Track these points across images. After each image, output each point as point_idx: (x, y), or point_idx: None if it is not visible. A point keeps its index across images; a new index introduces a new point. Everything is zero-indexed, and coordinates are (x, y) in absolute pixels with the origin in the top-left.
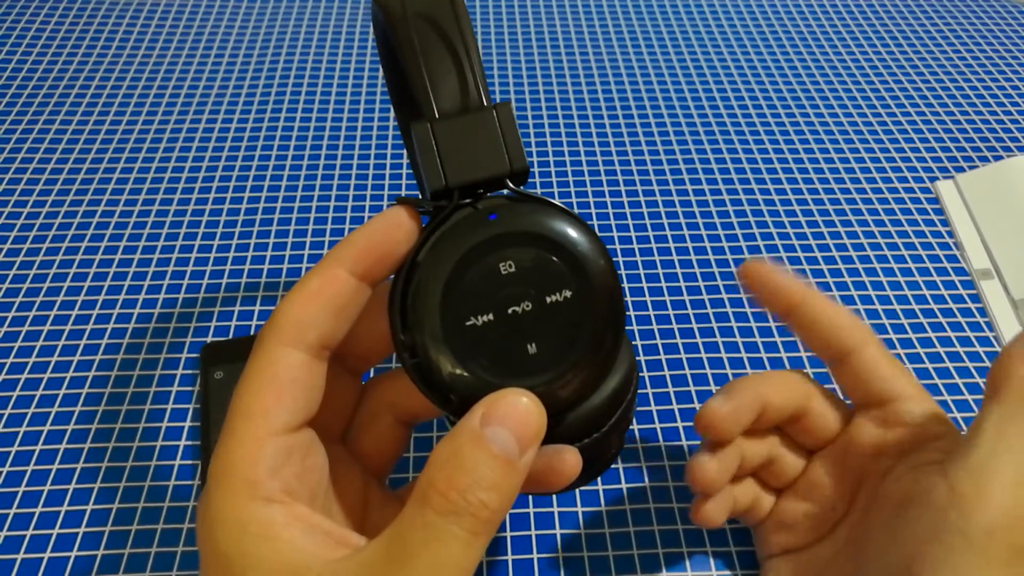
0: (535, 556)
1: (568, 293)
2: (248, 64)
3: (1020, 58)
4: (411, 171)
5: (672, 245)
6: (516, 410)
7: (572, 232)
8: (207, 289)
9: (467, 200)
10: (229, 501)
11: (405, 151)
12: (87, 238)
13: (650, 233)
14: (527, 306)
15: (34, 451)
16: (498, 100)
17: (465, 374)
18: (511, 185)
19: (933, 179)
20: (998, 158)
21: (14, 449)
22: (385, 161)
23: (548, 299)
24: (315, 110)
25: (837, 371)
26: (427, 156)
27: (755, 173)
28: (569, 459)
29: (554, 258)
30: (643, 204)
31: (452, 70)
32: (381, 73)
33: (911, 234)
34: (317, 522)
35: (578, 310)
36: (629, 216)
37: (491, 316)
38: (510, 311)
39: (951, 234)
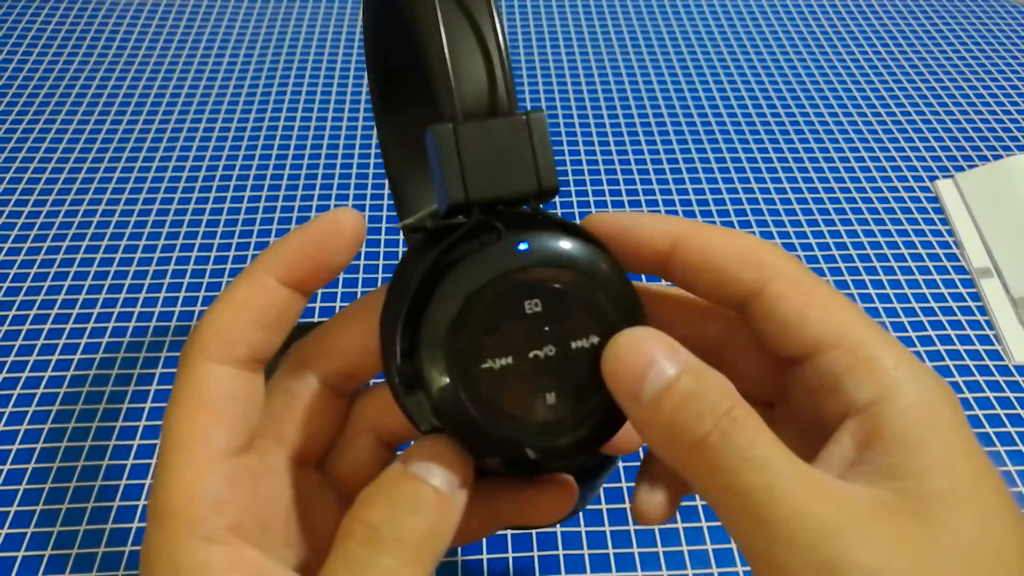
0: (535, 554)
1: (596, 339)
2: (248, 64)
3: (1020, 58)
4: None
5: None
6: (439, 447)
7: (605, 270)
8: (207, 288)
9: (486, 218)
10: (165, 542)
11: (381, 150)
12: (87, 238)
13: None
14: (550, 351)
15: (35, 449)
16: None
17: (472, 421)
18: (535, 205)
19: (933, 178)
20: (998, 157)
21: (14, 448)
22: None
23: (573, 344)
24: (315, 110)
25: (752, 325)
26: (448, 164)
27: (755, 173)
28: (565, 489)
29: (584, 299)
30: (643, 204)
31: (480, 64)
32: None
33: (911, 233)
34: (264, 568)
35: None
36: None
37: (510, 359)
38: (531, 355)
39: (951, 233)
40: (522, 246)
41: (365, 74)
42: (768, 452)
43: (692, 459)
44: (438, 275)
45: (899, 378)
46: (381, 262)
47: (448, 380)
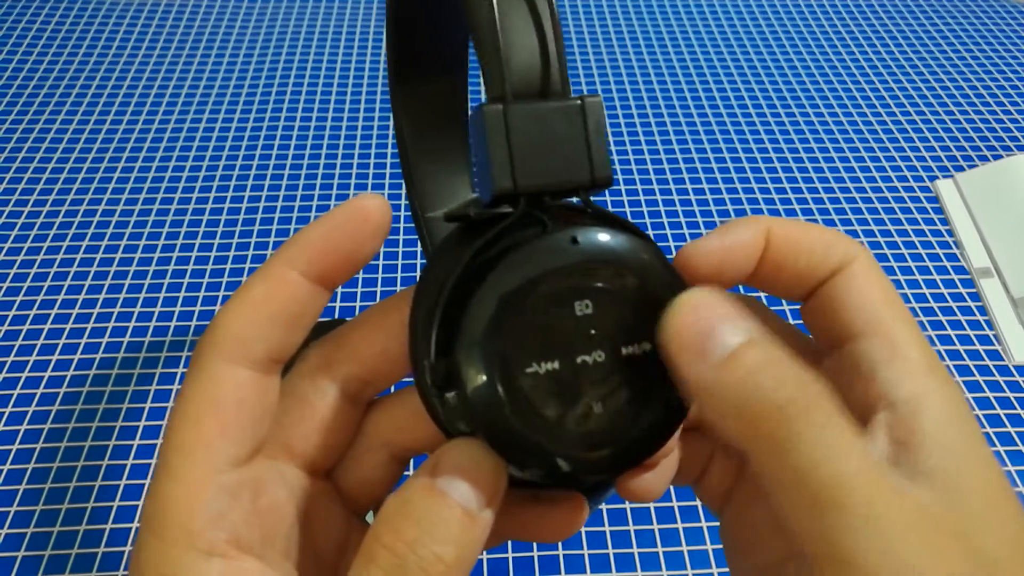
0: (535, 554)
1: (648, 347)
2: (248, 64)
3: (1020, 58)
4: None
5: (672, 244)
6: (470, 459)
7: (661, 271)
8: (207, 288)
9: (532, 209)
10: (162, 552)
11: (395, 126)
12: (87, 238)
13: (650, 232)
14: (599, 356)
15: (35, 449)
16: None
17: (514, 427)
18: (585, 197)
19: (933, 178)
20: (998, 157)
21: (14, 448)
22: (385, 160)
23: (624, 350)
24: (315, 110)
25: (805, 307)
26: (496, 148)
27: (755, 173)
28: (578, 509)
29: (638, 302)
30: (643, 204)
31: (533, 41)
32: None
33: (911, 233)
34: None
35: (654, 368)
36: (629, 215)
37: (556, 364)
38: (579, 360)
39: (951, 233)
40: (574, 242)
41: (366, 73)
42: (845, 436)
43: (759, 431)
44: (480, 269)
45: (934, 381)
46: (381, 262)
47: (489, 382)
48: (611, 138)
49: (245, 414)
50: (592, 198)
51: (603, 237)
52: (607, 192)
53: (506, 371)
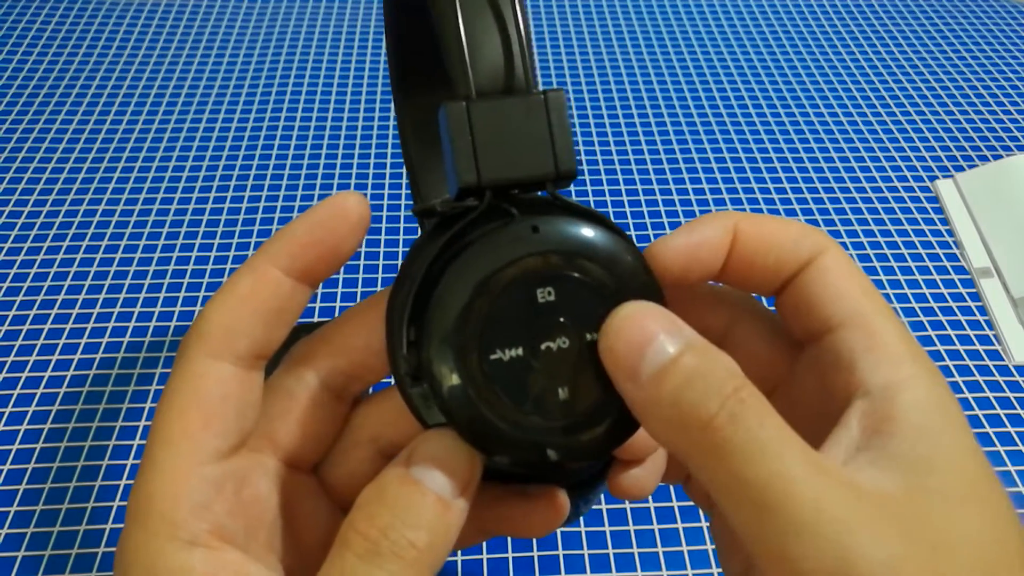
0: (535, 554)
1: None
2: (248, 64)
3: (1020, 58)
4: (402, 160)
5: None
6: (444, 448)
7: (626, 259)
8: (207, 288)
9: (499, 202)
10: (144, 543)
11: (400, 138)
12: (87, 238)
13: (650, 232)
14: (563, 343)
15: (35, 449)
16: None
17: (479, 413)
18: (552, 190)
19: (933, 178)
20: (998, 157)
21: (14, 448)
22: (385, 160)
23: (588, 336)
24: (315, 110)
25: (779, 300)
26: (460, 143)
27: (755, 173)
28: (557, 503)
29: (601, 289)
30: (643, 204)
31: (497, 39)
32: (381, 41)
33: (911, 233)
34: (247, 572)
35: None
36: (629, 216)
37: (520, 351)
38: (543, 347)
39: (951, 233)
40: (535, 231)
41: (366, 73)
42: (779, 436)
43: (696, 443)
44: (446, 261)
45: (914, 369)
46: (381, 262)
47: (454, 371)
48: (610, 137)
49: (228, 408)
50: (592, 198)
51: (565, 226)
52: (606, 193)
53: (471, 360)
